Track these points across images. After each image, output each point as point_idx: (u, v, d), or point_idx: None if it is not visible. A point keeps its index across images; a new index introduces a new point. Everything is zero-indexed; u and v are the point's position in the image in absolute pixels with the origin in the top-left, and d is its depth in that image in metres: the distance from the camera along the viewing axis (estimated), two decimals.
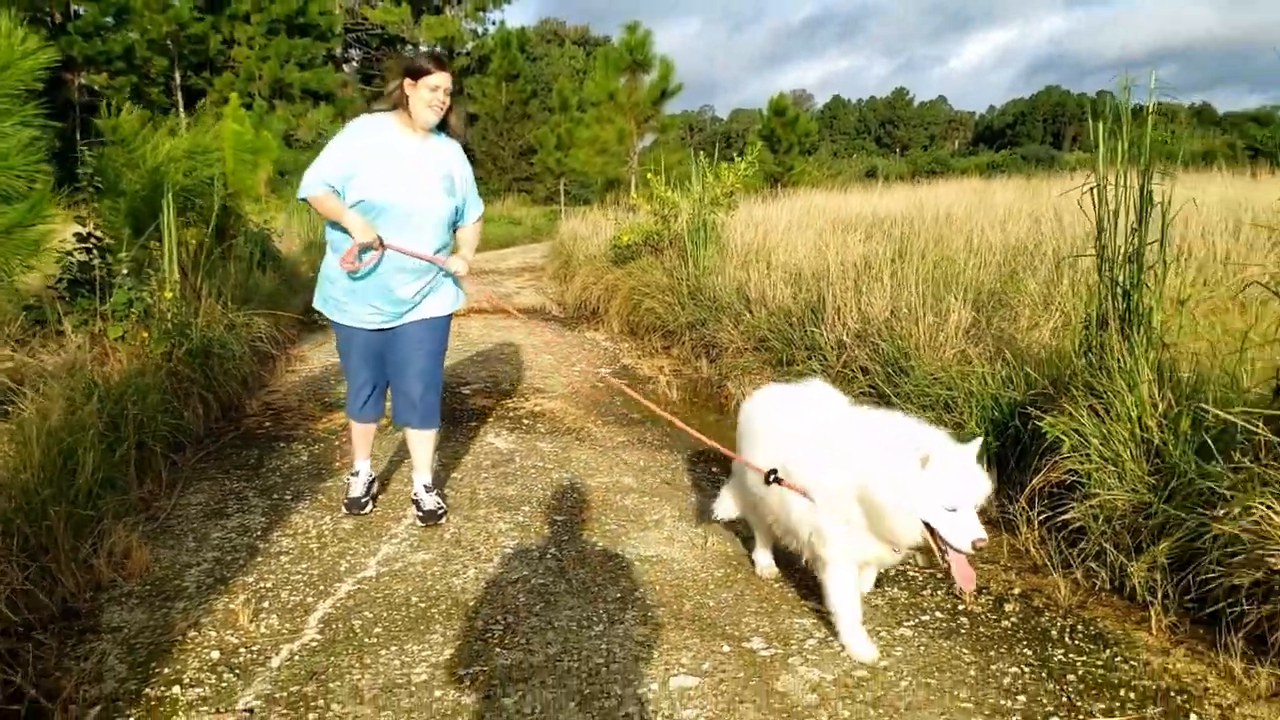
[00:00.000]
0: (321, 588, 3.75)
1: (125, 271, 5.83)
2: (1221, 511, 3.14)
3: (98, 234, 6.24)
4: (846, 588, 3.12)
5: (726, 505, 3.94)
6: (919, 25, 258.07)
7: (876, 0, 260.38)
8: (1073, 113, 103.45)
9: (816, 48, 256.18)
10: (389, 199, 4.06)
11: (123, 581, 3.73)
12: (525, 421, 6.36)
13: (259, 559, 4.03)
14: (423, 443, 4.54)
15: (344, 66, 42.76)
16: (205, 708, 2.88)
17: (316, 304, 4.44)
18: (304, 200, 4.11)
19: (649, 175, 11.27)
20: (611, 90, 25.17)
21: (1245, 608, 3.01)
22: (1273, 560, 2.91)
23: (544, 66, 42.99)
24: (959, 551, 2.70)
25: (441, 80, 4.07)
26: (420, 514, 4.49)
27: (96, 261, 5.96)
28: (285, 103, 34.39)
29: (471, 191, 4.40)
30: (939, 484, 2.69)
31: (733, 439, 3.91)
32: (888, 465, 2.79)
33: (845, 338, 5.86)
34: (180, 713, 2.86)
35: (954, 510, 2.69)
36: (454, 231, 4.42)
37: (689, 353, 8.10)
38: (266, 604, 3.60)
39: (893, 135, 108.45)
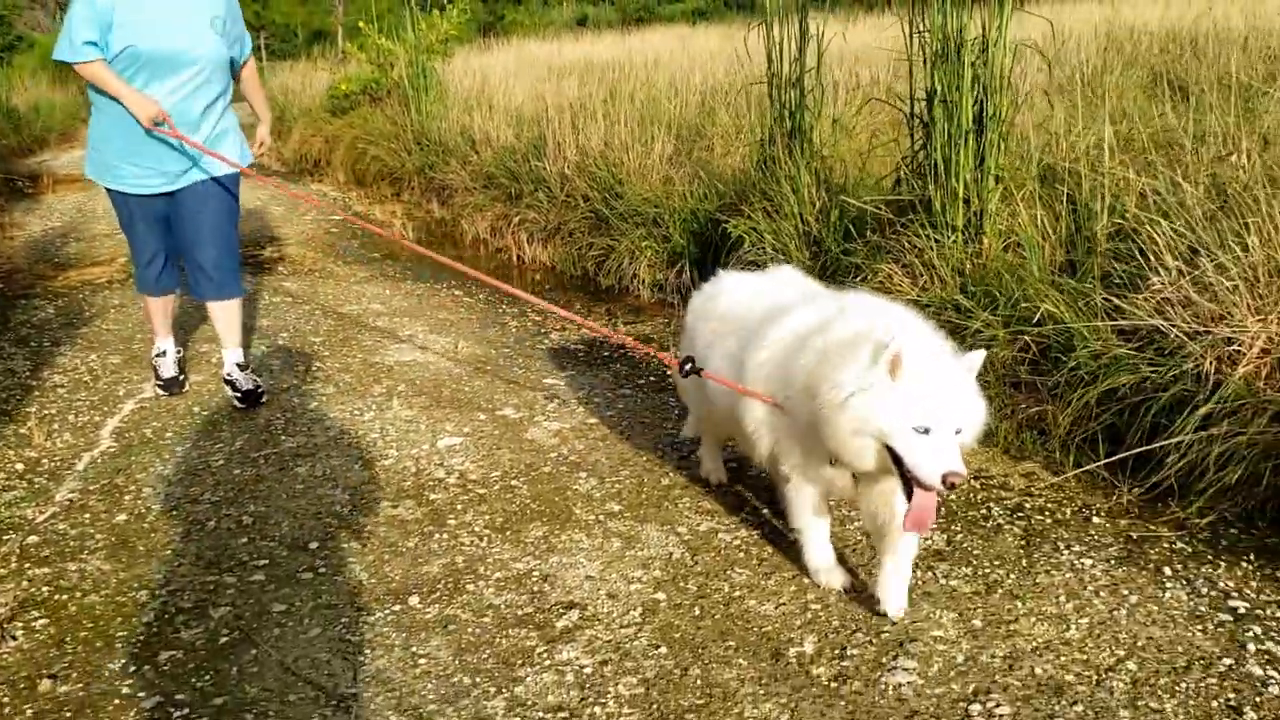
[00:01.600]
0: (105, 409, 4.10)
1: None
2: (859, 279, 4.08)
3: None
4: (805, 504, 2.59)
5: (690, 423, 3.47)
6: None
7: None
8: None
9: None
10: (158, 46, 3.74)
11: None
12: (266, 265, 6.65)
13: (35, 394, 4.30)
14: (225, 314, 4.19)
15: None
16: (25, 505, 3.26)
17: (89, 173, 4.07)
18: (63, 62, 3.75)
19: (360, 24, 11.30)
20: None
21: None
22: None
23: None
24: (925, 487, 2.09)
25: None
26: (237, 396, 4.12)
27: None
28: None
29: (242, 30, 4.11)
30: (910, 396, 2.08)
31: (491, 272, 4.50)
32: (841, 361, 2.20)
33: (567, 170, 6.50)
34: (2, 509, 3.23)
35: (925, 432, 2.08)
36: (234, 77, 4.15)
37: (420, 196, 8.52)
38: (56, 425, 3.93)
39: None
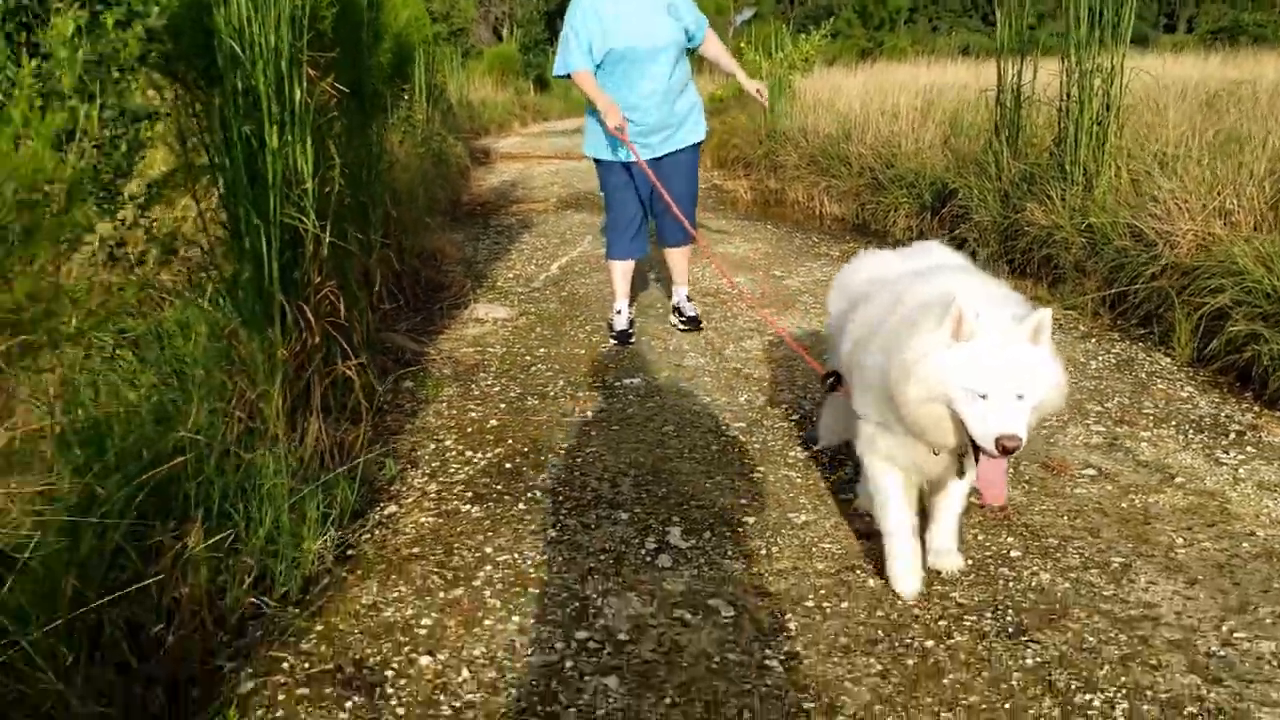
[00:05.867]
0: (548, 260, 7.07)
1: (405, 98, 9.13)
2: (1020, 211, 6.21)
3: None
4: (888, 498, 2.53)
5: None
6: None
7: None
8: None
9: None
10: (629, 43, 4.48)
11: (448, 257, 7.08)
12: None
13: (512, 252, 7.37)
14: (683, 258, 5.14)
15: None
16: (517, 286, 6.21)
17: (587, 150, 4.88)
18: (560, 77, 4.65)
19: (741, 45, 14.19)
20: None
21: None
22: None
23: None
24: (984, 451, 2.08)
25: None
26: (683, 320, 5.15)
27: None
28: None
29: (691, 9, 4.70)
30: (967, 358, 2.07)
31: (799, 223, 7.01)
32: (908, 327, 2.22)
33: (862, 150, 8.92)
34: (500, 284, 6.20)
35: (984, 397, 2.06)
36: (690, 54, 4.87)
37: (762, 174, 11.18)
38: (525, 264, 6.94)
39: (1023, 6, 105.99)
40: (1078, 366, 4.42)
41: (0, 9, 2.30)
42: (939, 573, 2.64)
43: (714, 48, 4.94)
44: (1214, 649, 2.29)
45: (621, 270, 5.05)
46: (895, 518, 2.52)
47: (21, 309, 2.01)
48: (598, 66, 4.59)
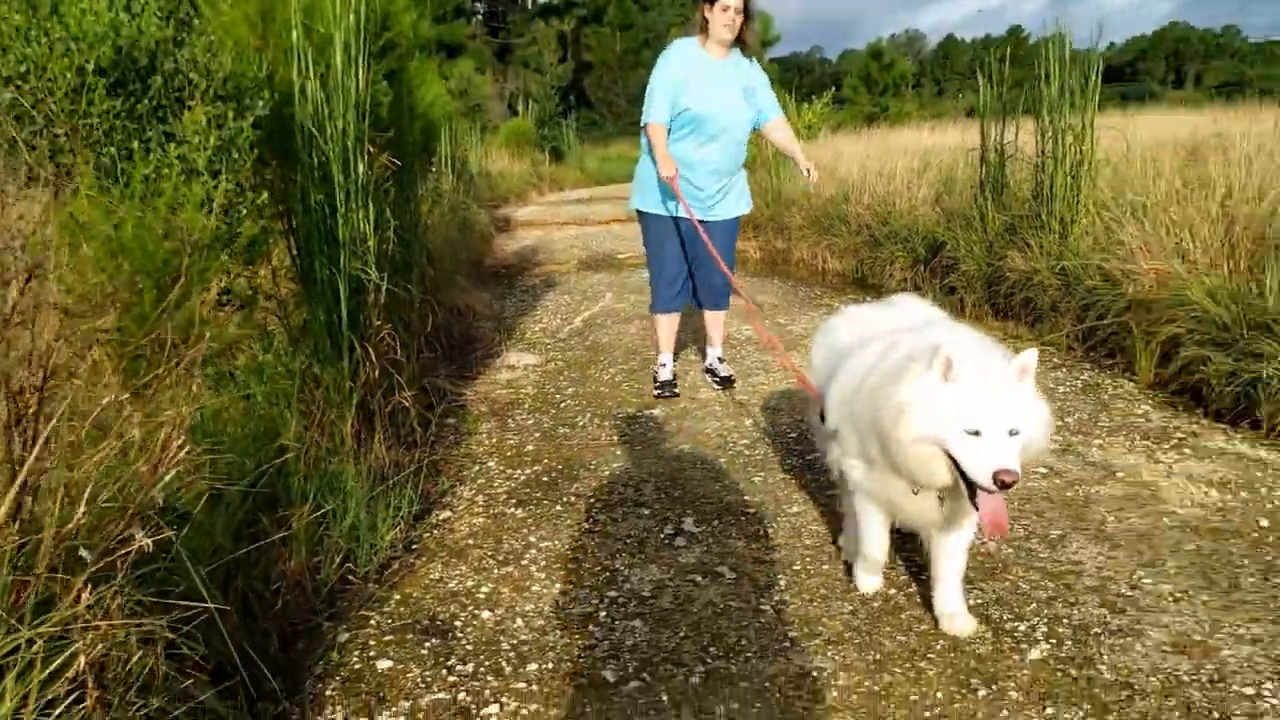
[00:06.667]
0: (572, 314, 7.68)
1: (432, 170, 9.85)
2: (1003, 257, 6.79)
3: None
4: (868, 523, 2.73)
5: None
6: None
7: None
8: (1195, 49, 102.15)
9: None
10: (705, 109, 4.70)
11: (478, 313, 7.71)
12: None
13: (537, 309, 7.99)
14: (718, 322, 5.35)
15: (470, 20, 46.82)
16: (544, 338, 6.81)
17: (634, 204, 5.06)
18: (645, 126, 4.75)
19: None
20: None
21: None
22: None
23: (655, 16, 46.50)
24: (981, 487, 2.16)
25: (733, 1, 4.62)
26: (717, 380, 5.33)
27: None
28: (422, 54, 38.66)
29: (769, 96, 4.92)
30: (958, 398, 2.17)
31: (805, 279, 7.62)
32: (897, 374, 2.32)
33: (859, 210, 9.55)
34: (528, 336, 6.80)
35: (976, 434, 2.15)
36: (753, 132, 5.00)
37: (770, 235, 11.83)
38: (550, 319, 7.55)
39: (1004, 75, 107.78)
40: (1046, 391, 4.96)
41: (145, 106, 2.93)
42: (908, 540, 3.10)
43: (781, 134, 5.04)
44: (1123, 591, 2.82)
45: (666, 323, 5.22)
46: (869, 544, 2.76)
47: (162, 339, 2.61)
48: (671, 123, 4.78)
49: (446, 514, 3.68)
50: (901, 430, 2.23)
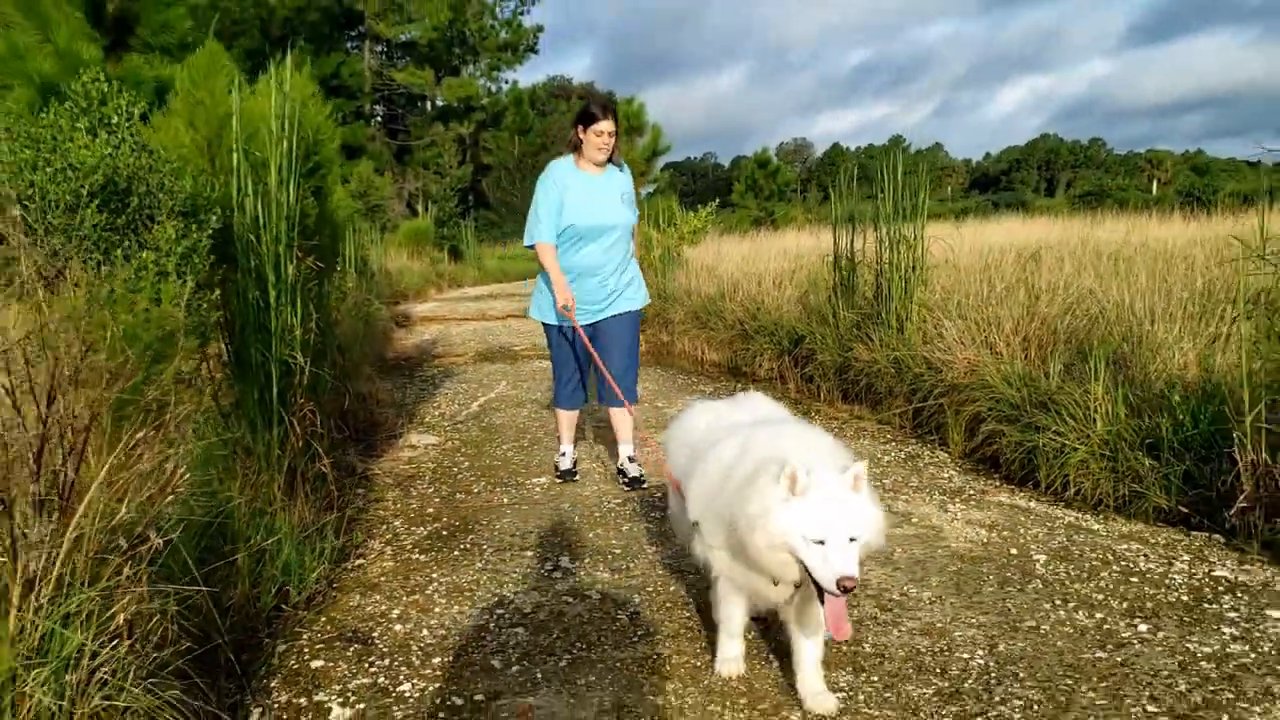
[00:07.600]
0: (468, 400, 8.41)
1: (338, 268, 10.54)
2: (850, 350, 7.79)
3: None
4: (729, 606, 3.01)
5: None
6: (963, 73, 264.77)
7: (923, 49, 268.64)
8: (1065, 159, 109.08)
9: (856, 96, 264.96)
10: (588, 222, 5.05)
11: (381, 400, 8.37)
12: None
13: (435, 396, 8.70)
14: (621, 418, 5.46)
15: (370, 122, 47.78)
16: (442, 421, 7.51)
17: (532, 314, 5.43)
18: (530, 248, 5.10)
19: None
20: None
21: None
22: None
23: (552, 121, 48.25)
24: (827, 591, 2.37)
25: (606, 126, 4.98)
26: (626, 481, 5.46)
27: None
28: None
29: (632, 201, 5.25)
30: (803, 511, 2.38)
31: (685, 370, 8.53)
32: (750, 483, 2.54)
33: (733, 306, 10.56)
34: (428, 419, 7.50)
35: (821, 543, 2.37)
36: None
37: (655, 329, 12.78)
38: (449, 404, 8.26)
39: (853, 190, 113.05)
40: (875, 461, 5.88)
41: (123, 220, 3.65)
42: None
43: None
44: (894, 597, 3.68)
45: (566, 418, 5.63)
46: (730, 623, 3.06)
47: (148, 404, 3.30)
48: (557, 237, 5.11)
49: (360, 560, 4.36)
50: (757, 537, 2.47)
